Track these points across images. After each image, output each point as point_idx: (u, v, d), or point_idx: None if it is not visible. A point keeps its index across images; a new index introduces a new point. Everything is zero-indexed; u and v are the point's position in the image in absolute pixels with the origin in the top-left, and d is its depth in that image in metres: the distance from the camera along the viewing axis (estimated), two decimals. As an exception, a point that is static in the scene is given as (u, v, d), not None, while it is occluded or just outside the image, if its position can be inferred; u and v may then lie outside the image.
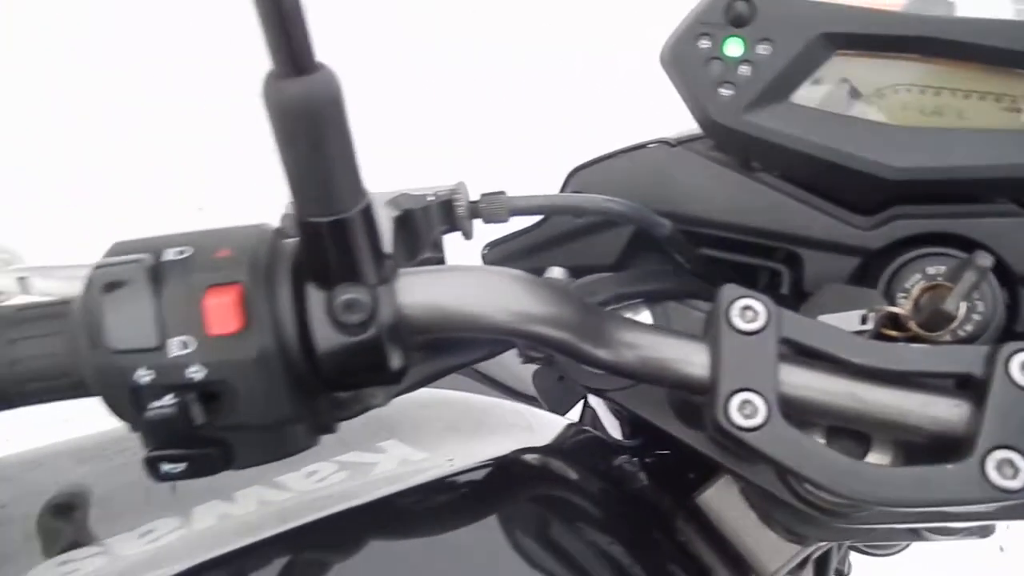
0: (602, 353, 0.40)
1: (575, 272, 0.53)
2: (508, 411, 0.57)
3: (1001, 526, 0.56)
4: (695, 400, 0.45)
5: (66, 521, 0.50)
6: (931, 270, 0.47)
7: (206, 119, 2.16)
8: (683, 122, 0.53)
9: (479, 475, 0.46)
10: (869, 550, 0.73)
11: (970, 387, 0.40)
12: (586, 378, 0.53)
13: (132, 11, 2.35)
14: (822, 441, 0.42)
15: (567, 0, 2.77)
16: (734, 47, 0.48)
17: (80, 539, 0.45)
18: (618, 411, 0.68)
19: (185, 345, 0.32)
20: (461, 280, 0.37)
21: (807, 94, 0.48)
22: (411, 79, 2.38)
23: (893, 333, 0.45)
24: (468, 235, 0.45)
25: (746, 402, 0.39)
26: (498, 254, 0.58)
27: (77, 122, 2.12)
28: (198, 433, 0.34)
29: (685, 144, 0.53)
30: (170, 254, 0.33)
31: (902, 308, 0.46)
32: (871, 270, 0.49)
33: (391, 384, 0.36)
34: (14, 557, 0.43)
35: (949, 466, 0.38)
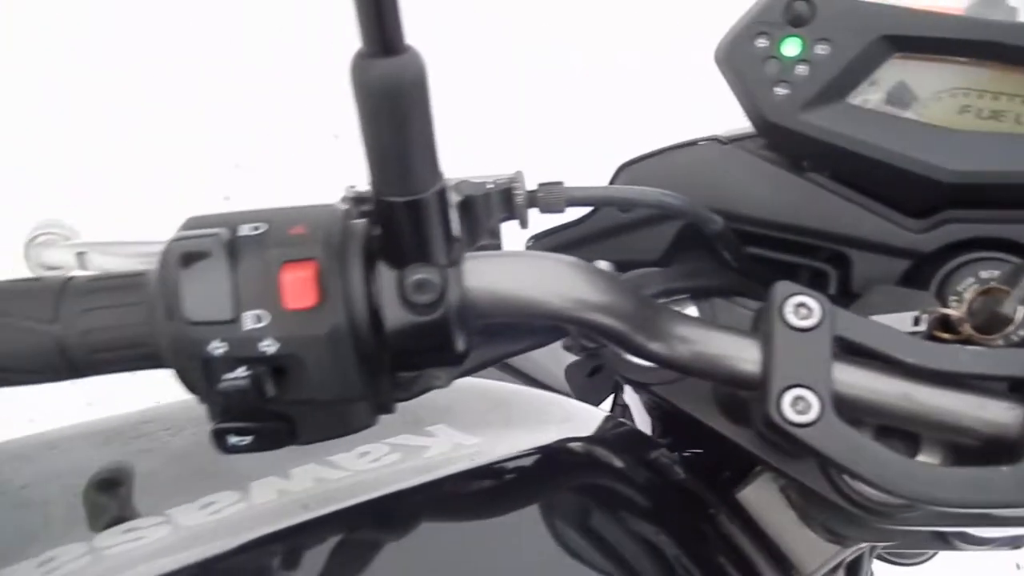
0: (655, 346, 0.41)
1: (620, 267, 0.53)
2: (548, 401, 0.58)
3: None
4: (742, 396, 0.46)
5: (112, 496, 0.50)
6: (984, 274, 0.47)
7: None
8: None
9: (529, 462, 0.46)
10: (894, 559, 0.73)
11: None
12: (631, 371, 0.53)
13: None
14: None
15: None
16: (792, 47, 0.48)
17: (127, 513, 0.45)
18: (652, 407, 0.69)
19: (259, 319, 0.33)
20: (525, 266, 0.37)
21: (863, 95, 0.48)
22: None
23: (945, 336, 0.46)
24: (524, 224, 0.45)
25: (799, 398, 0.39)
26: (543, 246, 0.58)
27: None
28: (265, 407, 0.34)
29: (736, 142, 0.53)
30: (245, 229, 0.34)
31: (955, 311, 0.46)
32: (921, 272, 0.49)
33: (454, 366, 0.37)
34: (43, 533, 0.44)
35: (1004, 468, 0.38)
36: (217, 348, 0.33)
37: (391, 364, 0.35)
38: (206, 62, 2.15)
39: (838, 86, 0.48)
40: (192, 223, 0.35)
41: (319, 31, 2.23)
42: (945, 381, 0.40)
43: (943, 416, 0.40)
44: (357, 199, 0.45)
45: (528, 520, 0.42)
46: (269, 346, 0.33)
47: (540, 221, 0.50)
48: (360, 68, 0.30)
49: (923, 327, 0.45)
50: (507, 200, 0.44)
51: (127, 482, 0.51)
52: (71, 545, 0.40)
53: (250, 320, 0.33)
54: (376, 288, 0.34)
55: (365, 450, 0.44)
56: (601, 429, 0.55)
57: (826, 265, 0.53)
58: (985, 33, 0.46)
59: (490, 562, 0.39)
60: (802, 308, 0.40)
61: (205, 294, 0.33)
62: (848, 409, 0.40)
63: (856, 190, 0.50)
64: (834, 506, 0.48)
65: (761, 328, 0.41)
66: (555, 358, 0.85)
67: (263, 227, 0.34)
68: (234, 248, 0.33)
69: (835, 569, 0.59)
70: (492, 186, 0.44)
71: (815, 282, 0.54)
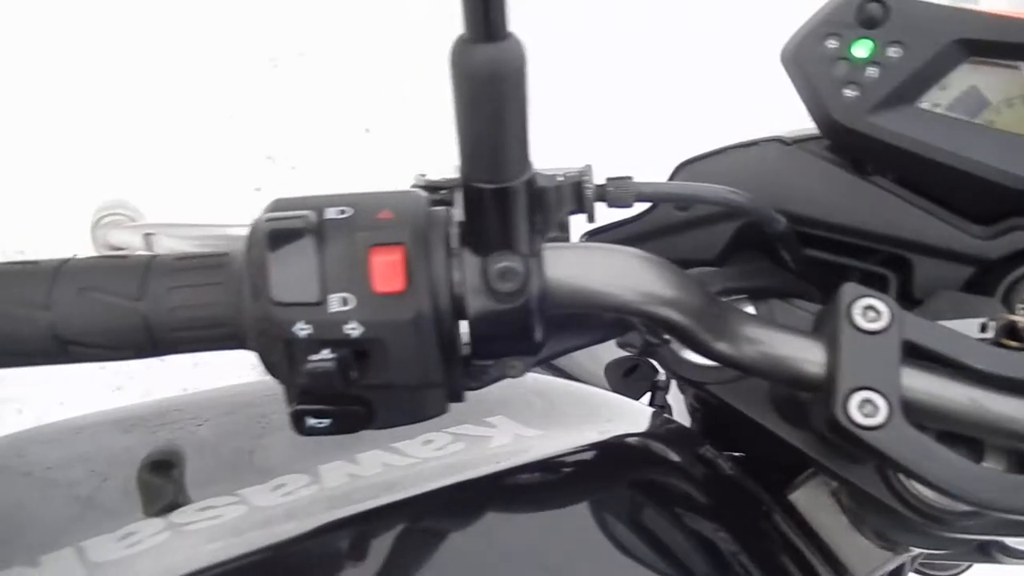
0: (721, 345, 0.41)
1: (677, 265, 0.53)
2: (598, 396, 0.58)
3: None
4: (802, 397, 0.46)
5: (166, 478, 0.51)
6: None
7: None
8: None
9: (590, 457, 0.46)
10: (929, 572, 0.72)
11: None
12: (686, 370, 0.53)
13: None
14: None
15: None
16: (862, 48, 0.48)
17: (182, 494, 0.46)
18: (694, 408, 0.69)
19: (345, 302, 0.33)
20: (604, 258, 0.38)
21: (934, 99, 0.48)
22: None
23: (1012, 343, 0.45)
24: (591, 218, 0.45)
25: (866, 401, 0.39)
26: (598, 243, 0.58)
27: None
28: (346, 391, 0.34)
29: (800, 143, 0.53)
30: (331, 212, 0.34)
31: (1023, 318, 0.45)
32: (985, 280, 0.49)
33: (531, 355, 0.37)
34: (82, 511, 0.44)
35: None
36: (302, 330, 0.33)
37: (471, 351, 0.35)
38: (240, 55, 2.16)
39: (908, 89, 0.48)
40: (278, 205, 0.35)
41: (352, 26, 2.24)
42: (1015, 388, 0.40)
43: (1013, 424, 0.40)
44: (428, 187, 0.45)
45: (592, 515, 0.42)
46: (354, 329, 0.33)
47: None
48: (461, 53, 0.30)
49: (990, 334, 0.45)
50: (577, 193, 0.44)
51: (180, 464, 0.52)
52: (150, 520, 0.40)
53: (336, 303, 0.33)
54: (460, 274, 0.34)
55: (429, 438, 0.44)
56: (653, 426, 0.55)
57: (884, 269, 0.53)
58: None
59: (556, 555, 0.39)
60: (870, 311, 0.40)
61: (292, 275, 0.33)
62: (915, 414, 0.40)
63: (921, 194, 0.50)
64: (889, 511, 0.48)
65: (825, 330, 0.41)
66: (591, 355, 0.85)
67: (349, 211, 0.34)
68: (321, 231, 0.34)
69: (881, 577, 0.59)
70: (562, 179, 0.44)
71: (869, 285, 0.54)
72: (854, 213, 0.51)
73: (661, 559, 0.41)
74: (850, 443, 0.40)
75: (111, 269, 0.35)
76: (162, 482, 0.51)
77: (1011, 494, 0.38)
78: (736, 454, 0.62)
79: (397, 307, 0.33)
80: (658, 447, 0.52)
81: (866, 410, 0.39)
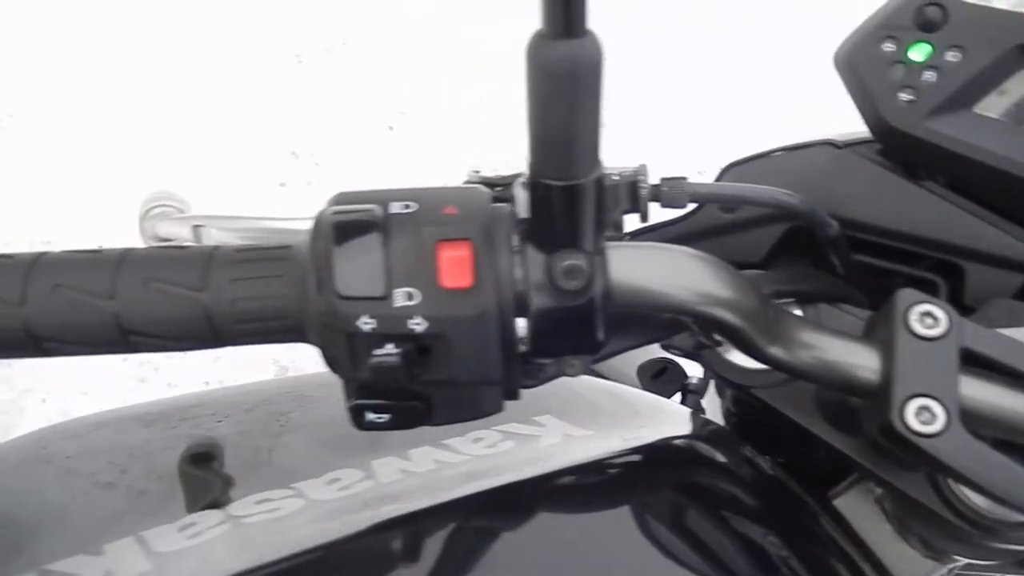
0: (774, 349, 0.40)
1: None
2: (638, 397, 0.58)
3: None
4: (852, 403, 0.45)
5: (207, 469, 0.51)
6: None
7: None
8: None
9: (639, 459, 0.46)
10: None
11: None
12: (732, 373, 0.53)
13: None
14: None
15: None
16: (920, 52, 0.47)
17: (224, 487, 0.46)
18: (729, 412, 0.68)
19: (410, 297, 0.33)
20: (666, 258, 0.37)
21: (991, 104, 0.48)
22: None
23: (1067, 353, 0.45)
24: (645, 217, 0.45)
25: (924, 408, 0.39)
26: None
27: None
28: (407, 386, 0.34)
29: (851, 147, 0.53)
30: (396, 207, 0.34)
31: (1081, 327, 0.45)
32: None
33: (591, 354, 0.36)
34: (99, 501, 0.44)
35: None
36: (366, 324, 0.33)
37: (531, 349, 0.35)
38: (265, 51, 2.17)
39: (966, 94, 0.47)
40: (342, 198, 0.35)
41: (377, 24, 2.24)
42: None
43: None
44: (483, 183, 0.45)
45: (646, 519, 0.41)
46: (418, 324, 0.33)
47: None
48: (538, 48, 0.29)
49: (1047, 343, 0.44)
50: (632, 193, 0.44)
51: (219, 456, 0.52)
52: (208, 512, 0.40)
53: (401, 297, 0.33)
54: (522, 271, 0.34)
55: (478, 436, 0.44)
56: (697, 428, 0.54)
57: (932, 275, 0.52)
58: None
59: (610, 559, 0.39)
60: (928, 317, 0.40)
61: (358, 269, 0.33)
62: (972, 421, 0.39)
63: (974, 200, 0.49)
64: (938, 520, 0.47)
65: (879, 335, 0.41)
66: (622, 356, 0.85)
67: (414, 205, 0.34)
68: (387, 225, 0.33)
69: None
70: (618, 178, 0.44)
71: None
72: (906, 218, 0.51)
73: (715, 564, 0.41)
74: (905, 450, 0.39)
75: (174, 260, 0.35)
76: (204, 474, 0.51)
77: None
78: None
79: (463, 303, 0.33)
80: (706, 449, 0.51)
81: (923, 417, 0.38)
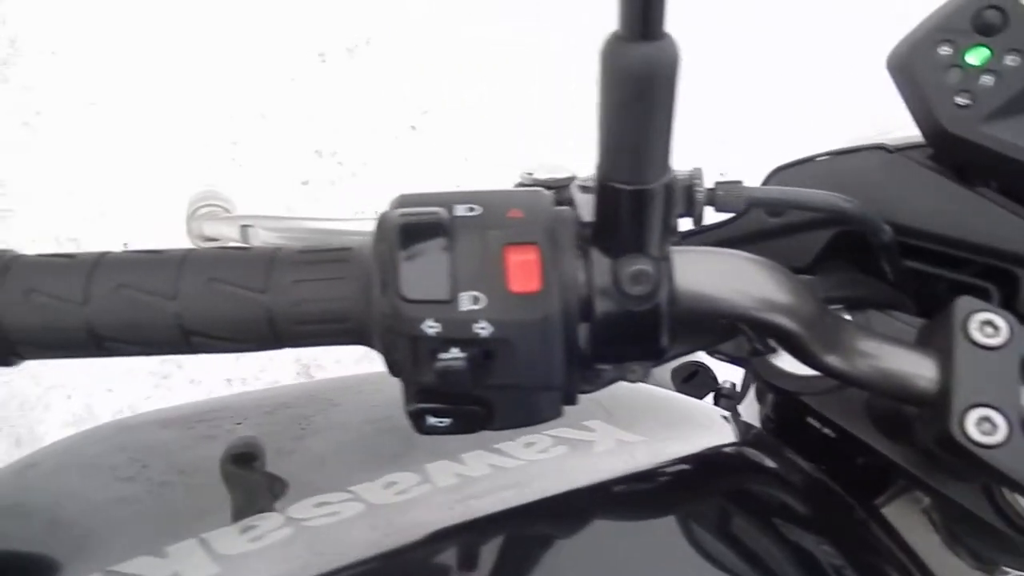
0: (830, 356, 0.40)
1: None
2: (682, 402, 0.57)
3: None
4: (907, 411, 0.44)
5: (250, 470, 0.51)
6: None
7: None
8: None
9: (693, 467, 0.46)
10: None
11: None
12: (781, 379, 0.52)
13: None
14: None
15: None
16: (977, 56, 0.47)
17: (266, 500, 0.45)
18: (770, 418, 0.68)
19: (476, 300, 0.32)
20: (730, 264, 0.37)
21: (1050, 110, 0.47)
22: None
23: None
24: (699, 221, 0.45)
25: (984, 418, 0.38)
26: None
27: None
28: (469, 391, 0.34)
29: (903, 151, 0.52)
30: (460, 210, 0.34)
31: None
32: None
33: (654, 359, 0.36)
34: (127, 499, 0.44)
35: None
36: (431, 328, 0.32)
37: (594, 354, 0.35)
38: (289, 49, 2.18)
39: None
40: (405, 200, 0.35)
41: (400, 23, 2.24)
42: None
43: None
44: (538, 185, 0.45)
45: (702, 527, 0.41)
46: (483, 328, 0.32)
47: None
48: (614, 51, 0.29)
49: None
50: (688, 197, 0.43)
51: (261, 456, 0.52)
52: (267, 514, 0.40)
53: (467, 301, 0.32)
54: (588, 275, 0.34)
55: (530, 440, 0.44)
56: (743, 434, 0.54)
57: (983, 281, 0.52)
58: None
59: (668, 569, 0.38)
60: (988, 326, 0.39)
61: (423, 273, 0.33)
62: None
63: None
64: (989, 530, 0.47)
65: (936, 343, 0.40)
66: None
67: (478, 208, 0.34)
68: (452, 228, 0.33)
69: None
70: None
71: None
72: (961, 224, 0.50)
73: (774, 573, 0.40)
74: (963, 461, 0.39)
75: (236, 261, 0.35)
76: (247, 474, 0.51)
77: None
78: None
79: (529, 307, 0.33)
80: (758, 457, 0.51)
81: (984, 428, 0.38)
